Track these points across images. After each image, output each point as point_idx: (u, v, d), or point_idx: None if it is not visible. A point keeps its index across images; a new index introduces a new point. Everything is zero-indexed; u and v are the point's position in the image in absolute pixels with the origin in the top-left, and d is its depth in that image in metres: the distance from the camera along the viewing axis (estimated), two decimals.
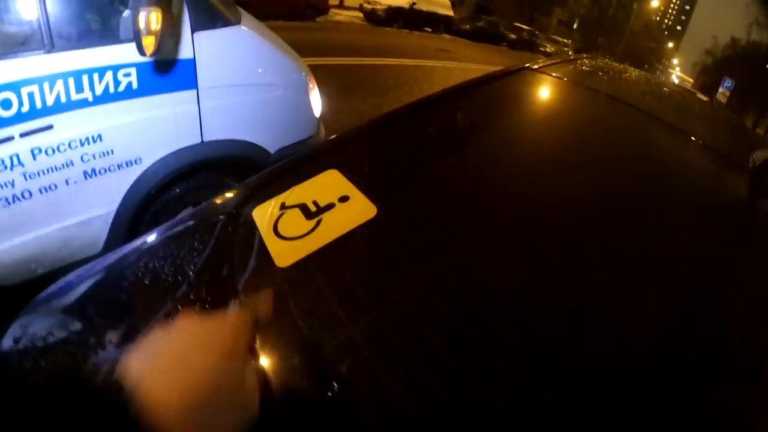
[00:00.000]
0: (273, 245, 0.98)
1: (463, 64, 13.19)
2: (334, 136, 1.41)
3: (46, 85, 1.72)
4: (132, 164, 2.00)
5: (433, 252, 0.97)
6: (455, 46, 17.80)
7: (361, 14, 19.05)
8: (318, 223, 1.02)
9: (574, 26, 44.62)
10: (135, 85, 1.91)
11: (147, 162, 2.03)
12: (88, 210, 1.98)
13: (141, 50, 1.67)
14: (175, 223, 1.13)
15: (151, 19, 1.62)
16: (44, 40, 1.71)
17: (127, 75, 1.88)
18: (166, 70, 1.96)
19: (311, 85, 2.63)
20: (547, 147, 1.30)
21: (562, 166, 1.19)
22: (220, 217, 1.10)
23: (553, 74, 1.61)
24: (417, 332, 0.80)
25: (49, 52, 1.72)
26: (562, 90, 1.59)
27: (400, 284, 0.91)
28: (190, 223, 1.12)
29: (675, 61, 79.93)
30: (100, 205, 2.01)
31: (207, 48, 2.05)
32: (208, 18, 2.05)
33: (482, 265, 0.93)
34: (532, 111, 1.55)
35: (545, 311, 0.84)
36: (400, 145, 1.34)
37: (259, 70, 2.31)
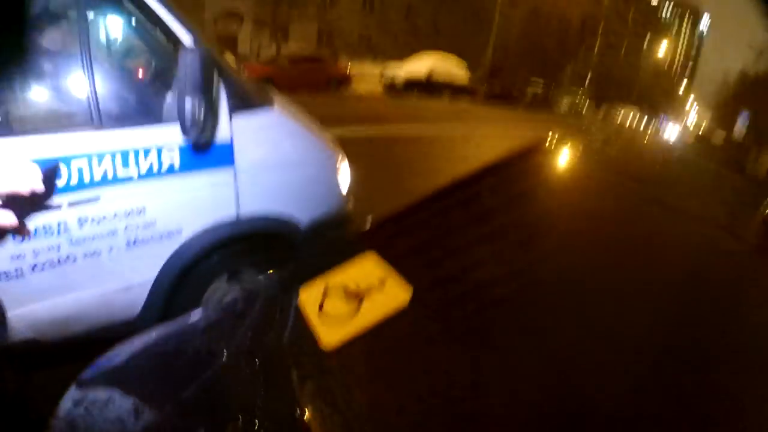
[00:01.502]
0: (319, 326, 1.03)
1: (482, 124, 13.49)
2: (369, 219, 1.48)
3: (95, 160, 1.86)
4: (172, 235, 2.11)
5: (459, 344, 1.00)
6: (473, 108, 18.30)
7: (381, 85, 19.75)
8: (360, 303, 1.06)
9: (587, 79, 45.36)
10: (177, 164, 2.04)
11: (186, 234, 2.14)
12: (129, 277, 2.08)
13: (185, 133, 1.81)
14: (229, 303, 1.21)
15: (195, 106, 1.76)
16: (93, 117, 1.86)
17: (170, 153, 2.02)
18: (206, 150, 2.10)
19: (340, 161, 2.76)
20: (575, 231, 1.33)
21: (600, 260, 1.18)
22: (272, 297, 1.17)
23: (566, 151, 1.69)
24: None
25: (98, 129, 1.87)
26: (575, 171, 1.66)
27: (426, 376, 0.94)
28: (244, 302, 1.19)
29: (690, 100, 80.00)
30: (140, 272, 2.10)
31: (244, 129, 2.20)
32: (244, 101, 2.21)
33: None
34: (549, 195, 1.59)
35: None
36: (433, 229, 1.41)
37: (292, 150, 2.45)
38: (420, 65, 20.42)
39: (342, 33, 30.63)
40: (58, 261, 1.88)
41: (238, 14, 27.96)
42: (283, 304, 1.12)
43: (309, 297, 1.11)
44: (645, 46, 60.92)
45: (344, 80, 16.72)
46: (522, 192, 1.54)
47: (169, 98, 2.03)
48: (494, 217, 1.44)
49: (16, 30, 1.82)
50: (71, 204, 1.84)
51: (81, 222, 1.88)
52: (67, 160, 1.80)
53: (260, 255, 2.42)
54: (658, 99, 56.50)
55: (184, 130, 1.82)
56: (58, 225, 1.83)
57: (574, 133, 1.86)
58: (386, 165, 7.29)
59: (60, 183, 1.79)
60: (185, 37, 1.98)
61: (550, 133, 1.75)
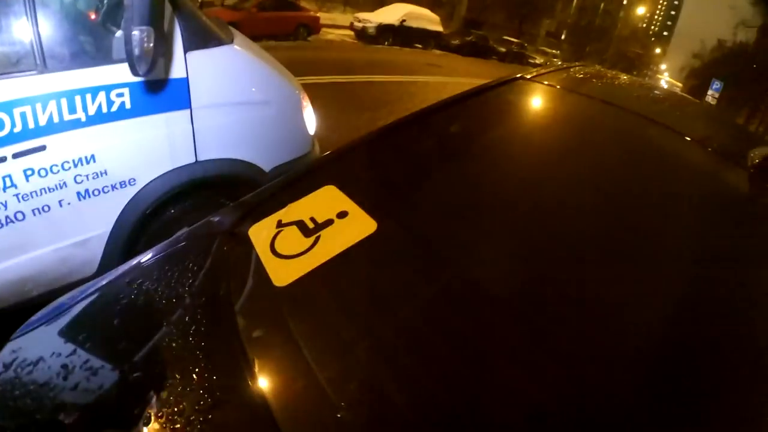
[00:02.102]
0: (270, 264, 0.95)
1: (455, 78, 13.29)
2: (330, 152, 1.39)
3: (38, 106, 1.71)
4: (126, 185, 1.98)
5: (435, 263, 0.95)
6: (446, 61, 17.90)
7: (352, 33, 19.21)
8: (317, 240, 1.00)
9: (562, 37, 44.98)
10: (128, 106, 1.89)
11: (141, 182, 2.01)
12: (83, 231, 1.96)
13: (134, 70, 1.66)
14: (170, 243, 1.11)
15: (144, 39, 1.60)
16: (36, 60, 1.70)
17: (120, 95, 1.87)
18: (159, 90, 1.94)
19: (305, 103, 2.62)
20: (546, 154, 1.30)
21: (562, 171, 1.19)
22: (216, 236, 1.08)
23: (547, 83, 1.61)
24: (424, 347, 0.78)
25: (41, 72, 1.71)
26: (556, 97, 1.59)
27: (403, 299, 0.89)
28: (185, 243, 1.10)
29: (663, 66, 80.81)
30: (95, 226, 1.98)
31: (200, 67, 2.04)
32: (201, 37, 2.04)
33: (485, 272, 0.92)
34: (527, 120, 1.55)
35: (547, 311, 0.83)
36: (397, 159, 1.33)
37: (253, 89, 2.30)
38: (393, 13, 19.82)
39: None
40: (7, 220, 1.75)
41: None
42: (230, 243, 1.03)
43: (260, 234, 1.03)
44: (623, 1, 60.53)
45: (314, 27, 16.10)
46: (497, 118, 1.47)
47: (119, 36, 1.83)
48: (469, 145, 1.37)
49: None
50: (15, 155, 1.70)
51: (27, 175, 1.74)
52: (8, 107, 1.65)
53: (223, 202, 2.27)
54: (634, 59, 56.71)
55: (132, 67, 1.66)
56: (3, 180, 1.70)
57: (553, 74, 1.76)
58: (352, 109, 7.14)
59: (2, 133, 1.65)
60: None
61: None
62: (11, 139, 1.67)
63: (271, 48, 6.92)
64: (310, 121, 2.67)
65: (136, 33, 1.60)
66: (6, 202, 1.72)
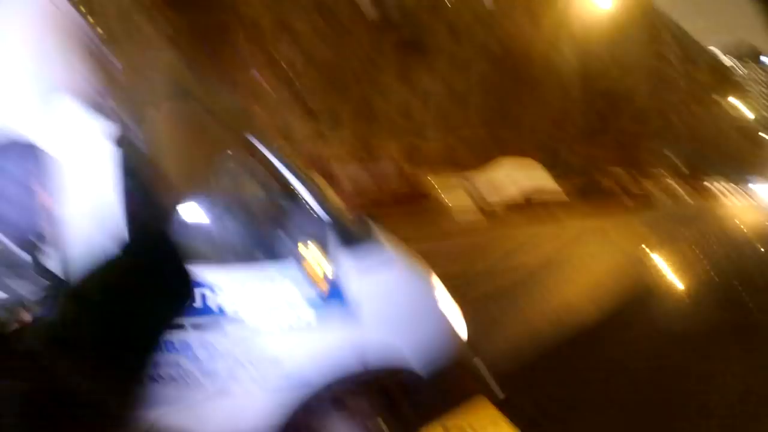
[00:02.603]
0: None
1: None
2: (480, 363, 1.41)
3: (225, 292, 1.99)
4: (291, 384, 2.11)
5: None
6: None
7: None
8: None
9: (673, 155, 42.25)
10: (309, 319, 2.11)
11: (308, 385, 2.13)
12: (252, 418, 2.08)
13: (317, 289, 1.98)
14: None
15: (318, 258, 1.93)
16: (234, 253, 2.08)
17: (294, 301, 2.09)
18: (335, 304, 2.16)
19: (454, 307, 2.72)
20: None
21: None
22: None
23: None
24: None
25: (233, 264, 2.06)
26: None
27: None
28: None
29: None
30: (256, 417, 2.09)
31: (370, 284, 2.27)
32: (352, 239, 2.28)
33: None
34: None
35: None
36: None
37: (402, 290, 2.48)
38: (503, 176, 19.85)
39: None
40: (174, 377, 1.95)
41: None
42: None
43: None
44: (724, 108, 58.06)
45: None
46: None
47: (295, 250, 2.15)
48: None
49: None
50: (194, 326, 1.95)
51: (204, 347, 1.97)
52: (200, 287, 1.95)
53: (377, 399, 2.33)
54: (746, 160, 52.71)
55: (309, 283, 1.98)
56: (179, 343, 1.94)
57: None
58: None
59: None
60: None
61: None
62: (194, 312, 1.93)
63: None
64: (461, 324, 2.71)
65: (310, 252, 1.97)
66: (178, 363, 1.94)
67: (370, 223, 2.70)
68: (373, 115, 26.26)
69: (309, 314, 2.10)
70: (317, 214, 2.07)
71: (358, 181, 15.83)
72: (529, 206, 19.36)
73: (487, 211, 18.13)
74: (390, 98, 26.88)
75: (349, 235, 2.28)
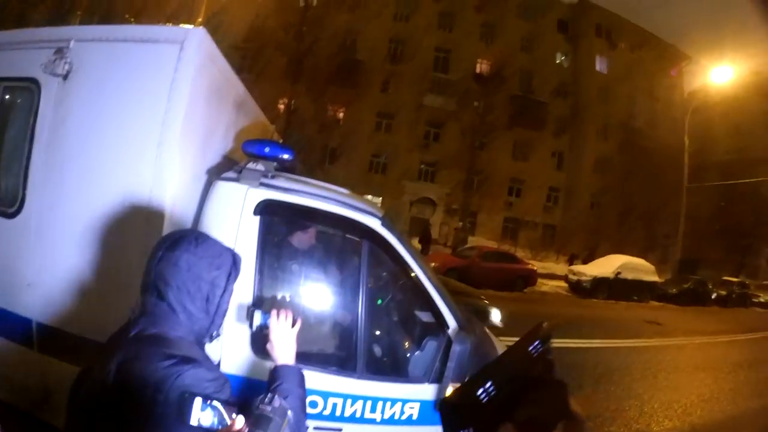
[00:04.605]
0: None
1: (676, 339, 11.94)
2: None
3: (349, 402, 2.17)
4: None
5: None
6: (665, 315, 16.29)
7: (566, 284, 19.39)
8: None
9: None
10: (415, 416, 2.26)
11: None
12: None
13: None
14: None
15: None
16: (358, 368, 2.21)
17: (411, 408, 2.26)
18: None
19: None
20: None
21: None
22: None
23: None
24: None
25: (359, 378, 2.20)
26: None
27: None
28: None
29: None
30: None
31: None
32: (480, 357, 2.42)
33: None
34: None
35: None
36: None
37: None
38: (608, 266, 19.61)
39: (527, 226, 31.63)
40: None
41: (432, 200, 31.20)
42: None
43: None
44: None
45: (530, 279, 16.86)
46: None
47: (417, 360, 2.39)
48: None
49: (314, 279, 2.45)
50: (316, 428, 2.13)
51: None
52: (325, 395, 2.15)
53: None
54: None
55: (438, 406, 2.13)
56: None
57: None
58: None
59: (312, 411, 2.11)
60: (451, 321, 2.33)
61: None
62: (317, 417, 2.13)
63: (491, 297, 7.12)
64: None
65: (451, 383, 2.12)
66: None
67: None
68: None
69: (414, 410, 2.26)
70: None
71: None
72: (617, 282, 18.83)
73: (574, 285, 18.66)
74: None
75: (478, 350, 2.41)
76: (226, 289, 1.36)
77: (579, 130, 32.95)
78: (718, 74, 25.65)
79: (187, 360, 1.18)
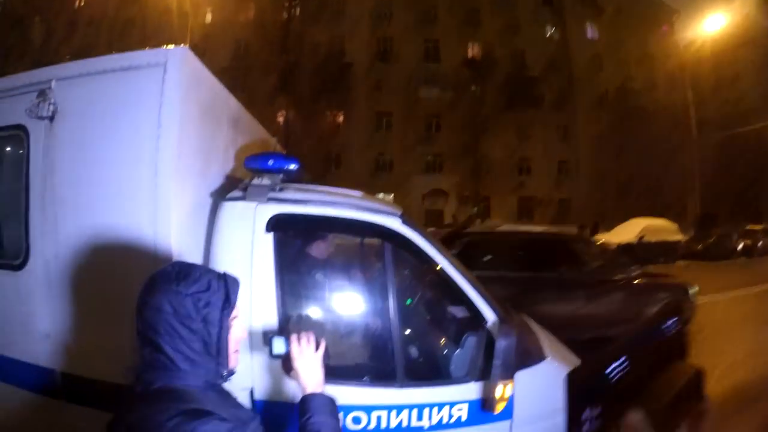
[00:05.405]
0: None
1: (708, 297, 11.71)
2: None
3: (393, 413, 2.06)
4: None
5: None
6: (692, 273, 15.95)
7: None
8: None
9: None
10: (464, 418, 2.14)
11: None
12: None
13: (491, 409, 2.02)
14: None
15: (504, 389, 1.99)
16: (398, 377, 2.10)
17: (459, 410, 2.13)
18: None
19: None
20: None
21: None
22: None
23: None
24: None
25: (400, 387, 2.10)
26: None
27: None
28: None
29: None
30: None
31: (525, 384, 2.22)
32: (528, 356, 2.31)
33: None
34: None
35: None
36: None
37: (561, 400, 2.39)
38: (629, 231, 19.37)
39: (541, 203, 31.63)
40: None
41: (443, 191, 31.20)
42: None
43: None
44: None
45: None
46: None
47: (458, 359, 2.28)
48: None
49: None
50: None
51: None
52: (368, 409, 2.04)
53: None
54: None
55: (490, 408, 2.04)
56: None
57: None
58: None
59: (356, 427, 2.03)
60: (489, 314, 2.21)
61: None
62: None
63: None
64: None
65: (497, 378, 1.99)
66: None
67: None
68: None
69: (463, 412, 2.15)
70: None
71: None
72: (642, 247, 18.32)
73: None
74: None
75: (525, 353, 2.30)
76: (222, 326, 1.22)
77: (578, 100, 32.72)
78: (711, 23, 25.34)
79: (197, 414, 1.07)
